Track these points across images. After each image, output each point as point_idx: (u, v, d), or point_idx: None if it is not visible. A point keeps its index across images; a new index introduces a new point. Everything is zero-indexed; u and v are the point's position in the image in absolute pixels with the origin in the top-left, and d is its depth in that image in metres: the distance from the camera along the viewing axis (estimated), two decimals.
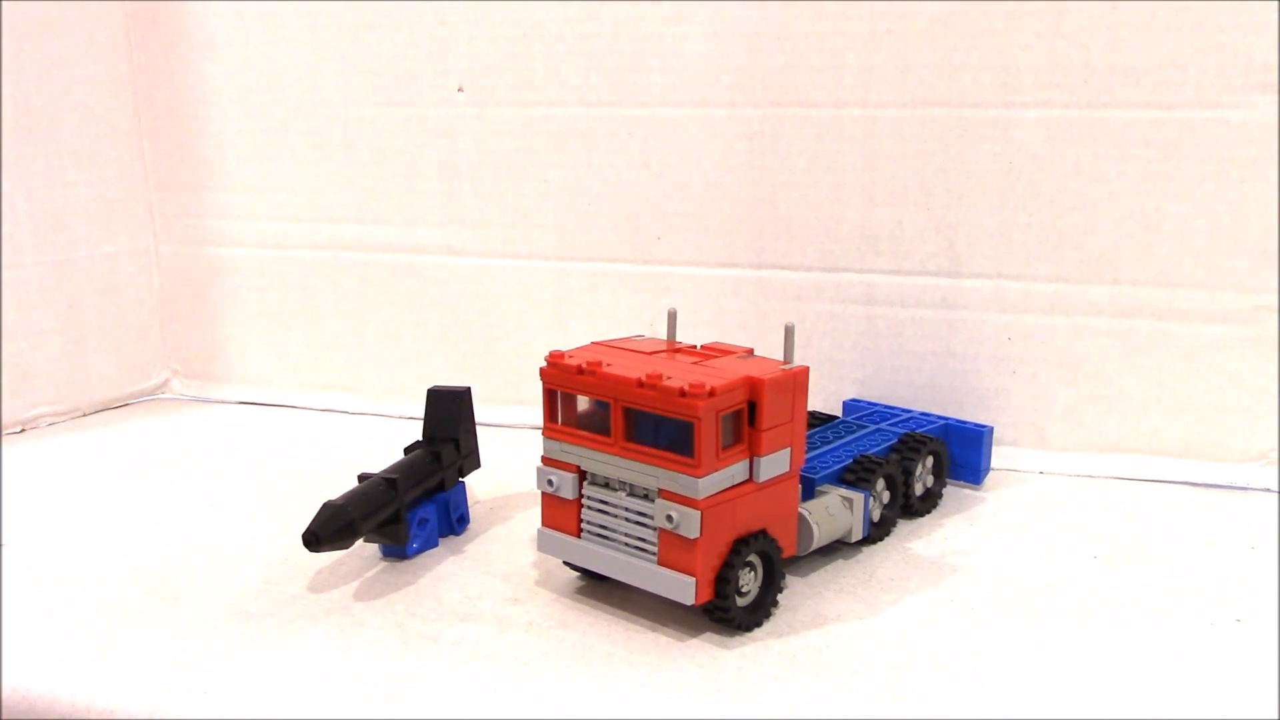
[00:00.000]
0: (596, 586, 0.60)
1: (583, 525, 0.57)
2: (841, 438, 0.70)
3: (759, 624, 0.56)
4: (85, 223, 0.90)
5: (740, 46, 0.79)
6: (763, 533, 0.56)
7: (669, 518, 0.53)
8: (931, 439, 0.71)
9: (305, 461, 0.79)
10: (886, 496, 0.67)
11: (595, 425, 0.56)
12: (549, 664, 0.52)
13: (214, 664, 0.52)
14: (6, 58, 0.84)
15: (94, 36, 0.89)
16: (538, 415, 0.58)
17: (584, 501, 0.57)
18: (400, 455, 0.66)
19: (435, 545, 0.65)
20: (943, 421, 0.75)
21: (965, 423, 0.75)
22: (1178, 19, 0.70)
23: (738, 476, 0.54)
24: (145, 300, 0.95)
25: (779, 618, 0.57)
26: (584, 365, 0.55)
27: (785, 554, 0.57)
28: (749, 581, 0.55)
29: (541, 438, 0.58)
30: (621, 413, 0.54)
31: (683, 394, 0.52)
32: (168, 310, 0.96)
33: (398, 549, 0.63)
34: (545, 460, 0.58)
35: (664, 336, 0.62)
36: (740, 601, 0.55)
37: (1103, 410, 0.77)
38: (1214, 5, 0.69)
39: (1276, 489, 0.73)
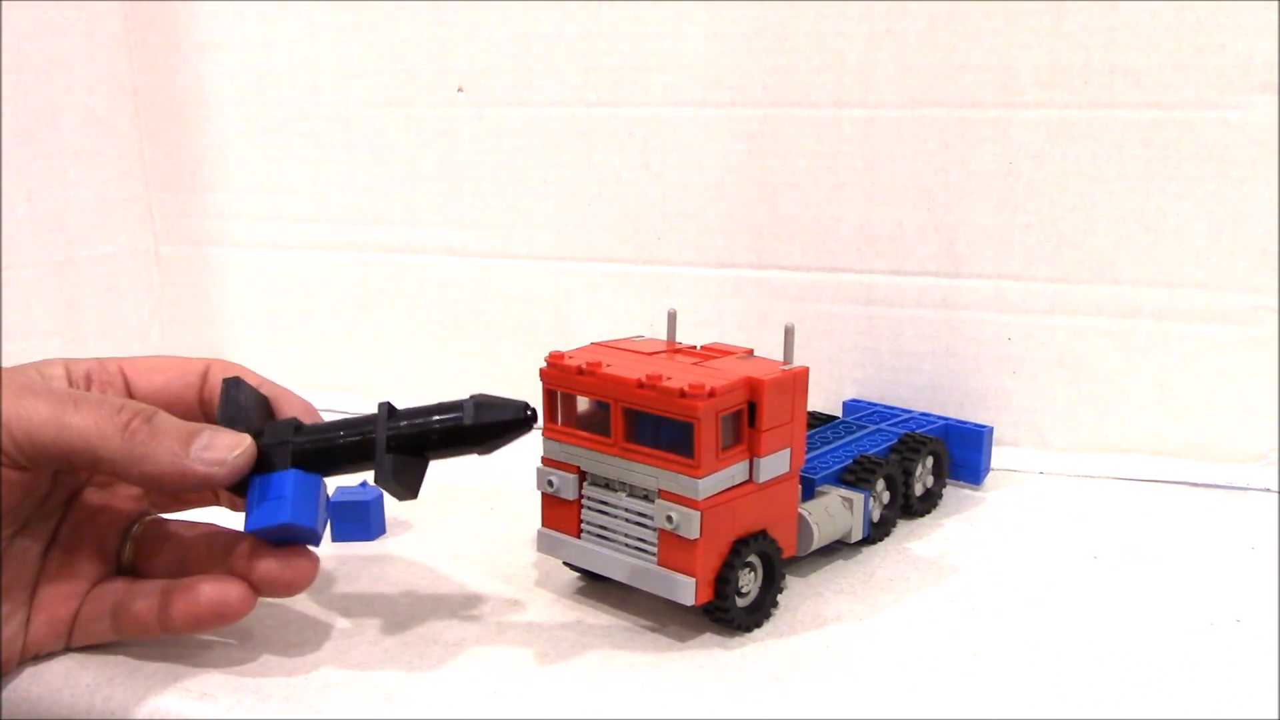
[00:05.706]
0: (596, 586, 0.60)
1: (583, 526, 0.57)
2: (841, 438, 0.70)
3: (759, 624, 0.56)
4: (85, 223, 0.90)
5: (740, 46, 0.79)
6: (763, 533, 0.56)
7: (669, 518, 0.53)
8: (931, 439, 0.71)
9: None
10: (886, 497, 0.66)
11: (595, 426, 0.56)
12: (549, 664, 0.52)
13: (214, 664, 0.52)
14: (6, 58, 0.83)
15: (94, 36, 0.89)
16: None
17: (584, 502, 0.57)
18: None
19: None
20: (943, 422, 0.75)
21: (965, 423, 0.75)
22: (1178, 19, 0.70)
23: (738, 477, 0.54)
24: (145, 300, 0.95)
25: (779, 618, 0.57)
26: (584, 366, 0.55)
27: (785, 554, 0.57)
28: (749, 582, 0.55)
29: (541, 438, 0.58)
30: (621, 413, 0.54)
31: (683, 395, 0.52)
32: (168, 310, 0.96)
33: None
34: (545, 461, 0.58)
35: (664, 337, 0.62)
36: (740, 602, 0.55)
37: (1103, 410, 0.77)
38: (1214, 5, 0.69)
39: (1276, 489, 0.73)
